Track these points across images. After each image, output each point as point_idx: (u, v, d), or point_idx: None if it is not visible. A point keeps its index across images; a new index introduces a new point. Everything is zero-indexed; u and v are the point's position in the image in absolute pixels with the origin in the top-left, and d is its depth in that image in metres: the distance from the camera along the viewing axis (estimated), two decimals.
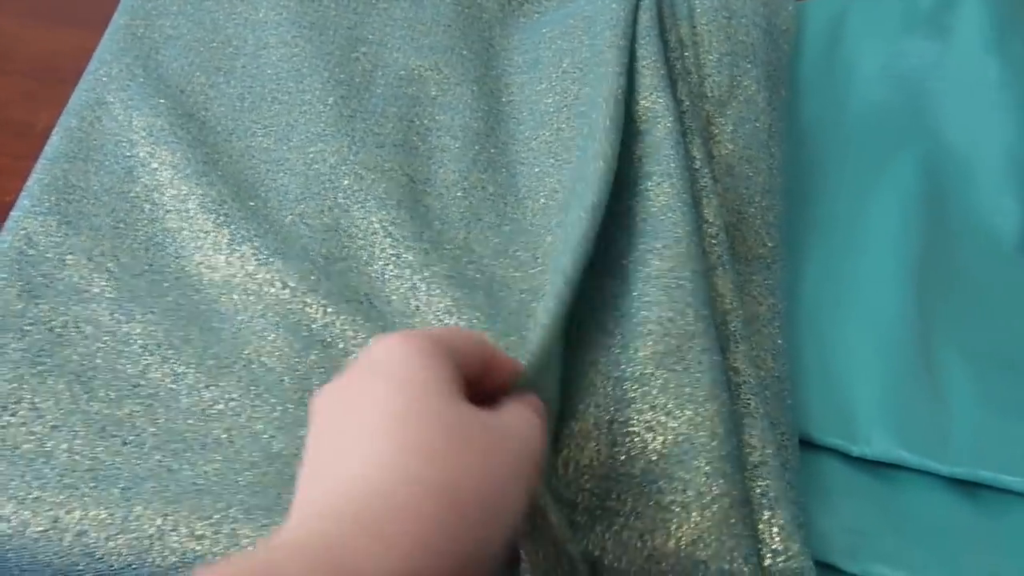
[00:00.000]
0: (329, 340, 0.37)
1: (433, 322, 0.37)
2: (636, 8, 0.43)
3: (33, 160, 0.44)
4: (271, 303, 0.38)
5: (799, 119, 0.46)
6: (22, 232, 0.40)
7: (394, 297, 0.38)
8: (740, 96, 0.43)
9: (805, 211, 0.42)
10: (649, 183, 0.38)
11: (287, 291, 0.38)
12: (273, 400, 0.36)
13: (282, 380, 0.36)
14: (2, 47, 0.52)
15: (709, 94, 0.43)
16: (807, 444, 0.36)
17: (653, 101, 0.40)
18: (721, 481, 0.30)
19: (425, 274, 0.38)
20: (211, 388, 0.36)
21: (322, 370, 0.36)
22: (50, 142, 0.44)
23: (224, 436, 0.35)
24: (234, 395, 0.36)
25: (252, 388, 0.36)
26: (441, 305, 0.37)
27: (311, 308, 0.38)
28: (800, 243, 0.41)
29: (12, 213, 0.41)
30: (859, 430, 0.36)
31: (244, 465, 0.34)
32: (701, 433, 0.31)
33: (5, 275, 0.38)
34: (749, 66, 0.44)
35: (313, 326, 0.37)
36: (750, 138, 0.42)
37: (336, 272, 0.39)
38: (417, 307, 0.38)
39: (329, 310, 0.37)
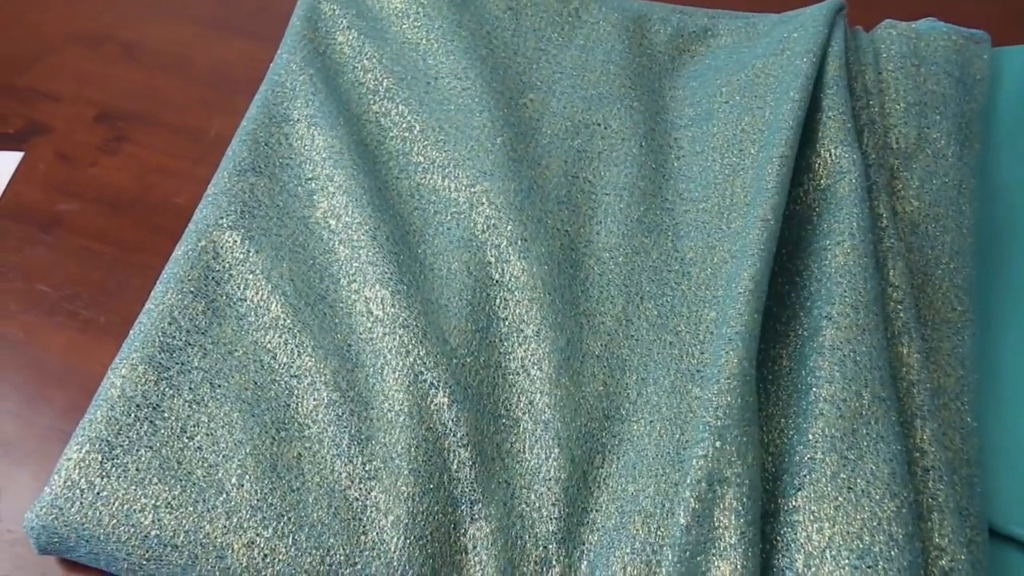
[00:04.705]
0: (483, 405, 0.36)
1: (580, 401, 0.36)
2: (823, 60, 0.41)
3: (206, 165, 0.46)
4: (436, 360, 0.36)
5: (992, 175, 0.43)
6: (211, 244, 0.40)
7: (545, 363, 0.37)
8: (928, 149, 0.41)
9: (998, 275, 0.40)
10: (828, 241, 0.36)
11: (447, 346, 0.37)
12: (429, 469, 0.34)
13: (442, 447, 0.35)
14: (181, 54, 0.54)
15: (894, 146, 0.41)
16: (990, 531, 0.33)
17: (838, 155, 0.38)
18: None
19: (579, 349, 0.37)
20: (372, 442, 0.35)
21: (475, 444, 0.35)
22: (236, 151, 0.44)
23: (383, 504, 0.33)
24: (393, 455, 0.34)
25: (412, 450, 0.35)
26: (590, 388, 0.37)
27: (468, 369, 0.37)
28: (991, 310, 0.39)
29: (198, 220, 0.42)
30: None
31: (400, 541, 0.33)
32: (879, 538, 0.29)
33: (192, 289, 0.39)
34: (938, 117, 0.42)
35: (468, 389, 0.36)
36: (938, 194, 0.40)
37: (496, 335, 0.38)
38: (566, 384, 0.36)
39: (484, 375, 0.37)
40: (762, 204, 0.37)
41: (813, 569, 0.29)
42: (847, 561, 0.29)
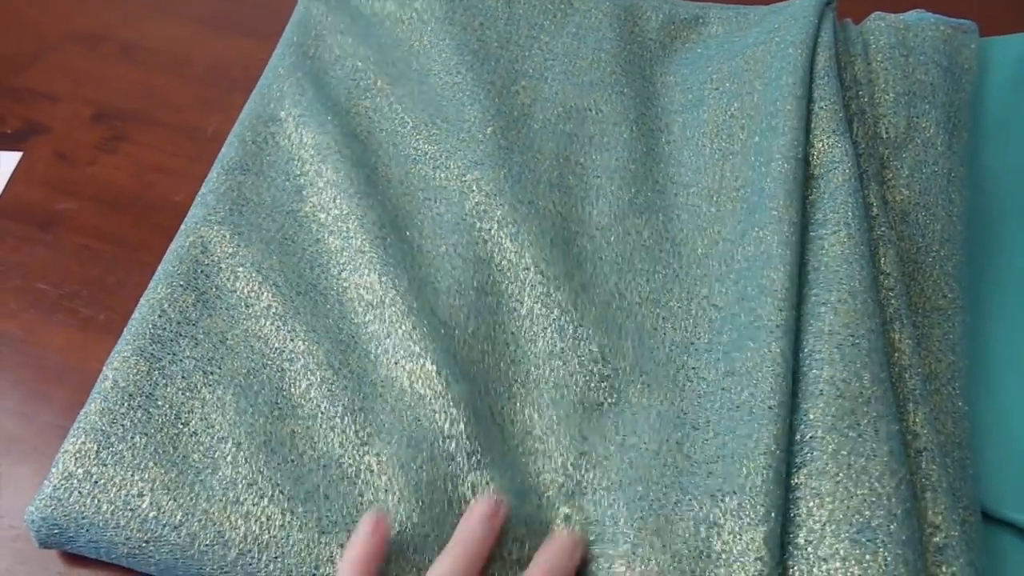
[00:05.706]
0: (473, 374, 0.37)
1: (577, 367, 0.37)
2: (814, 50, 0.42)
3: (203, 163, 0.46)
4: (424, 332, 0.37)
5: (981, 164, 0.43)
6: (199, 239, 0.41)
7: (539, 338, 0.38)
8: (917, 139, 0.41)
9: (988, 262, 0.40)
10: (823, 231, 0.37)
11: (435, 319, 0.38)
12: (420, 431, 0.35)
13: (432, 410, 0.35)
14: (181, 52, 0.54)
15: (884, 135, 0.41)
16: (985, 516, 0.34)
17: (830, 145, 0.39)
18: (903, 570, 0.28)
19: (574, 316, 0.38)
20: (364, 412, 0.36)
21: (466, 403, 0.35)
22: (225, 152, 0.45)
23: (376, 466, 0.34)
24: (385, 423, 0.35)
25: (404, 416, 0.35)
26: (587, 350, 0.37)
27: (458, 341, 0.37)
28: (981, 297, 0.39)
29: (188, 219, 0.43)
30: None
31: (397, 497, 0.34)
32: (878, 513, 0.29)
33: (182, 283, 0.40)
34: (927, 107, 0.42)
35: (458, 358, 0.37)
36: (927, 183, 0.40)
37: (485, 307, 0.39)
38: (563, 350, 0.37)
39: (474, 344, 0.37)
40: (780, 207, 0.37)
41: (814, 543, 0.29)
42: (847, 535, 0.29)
